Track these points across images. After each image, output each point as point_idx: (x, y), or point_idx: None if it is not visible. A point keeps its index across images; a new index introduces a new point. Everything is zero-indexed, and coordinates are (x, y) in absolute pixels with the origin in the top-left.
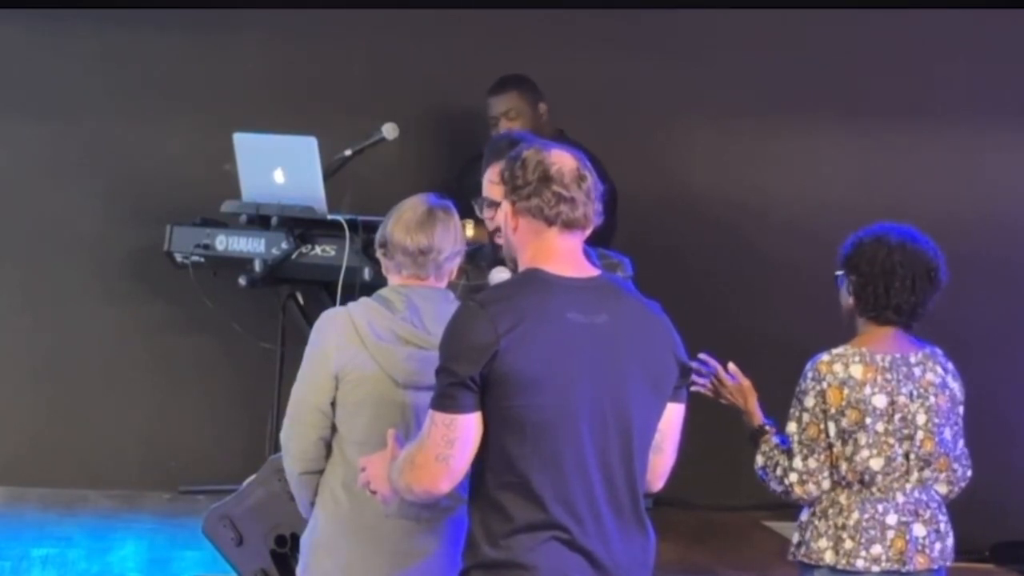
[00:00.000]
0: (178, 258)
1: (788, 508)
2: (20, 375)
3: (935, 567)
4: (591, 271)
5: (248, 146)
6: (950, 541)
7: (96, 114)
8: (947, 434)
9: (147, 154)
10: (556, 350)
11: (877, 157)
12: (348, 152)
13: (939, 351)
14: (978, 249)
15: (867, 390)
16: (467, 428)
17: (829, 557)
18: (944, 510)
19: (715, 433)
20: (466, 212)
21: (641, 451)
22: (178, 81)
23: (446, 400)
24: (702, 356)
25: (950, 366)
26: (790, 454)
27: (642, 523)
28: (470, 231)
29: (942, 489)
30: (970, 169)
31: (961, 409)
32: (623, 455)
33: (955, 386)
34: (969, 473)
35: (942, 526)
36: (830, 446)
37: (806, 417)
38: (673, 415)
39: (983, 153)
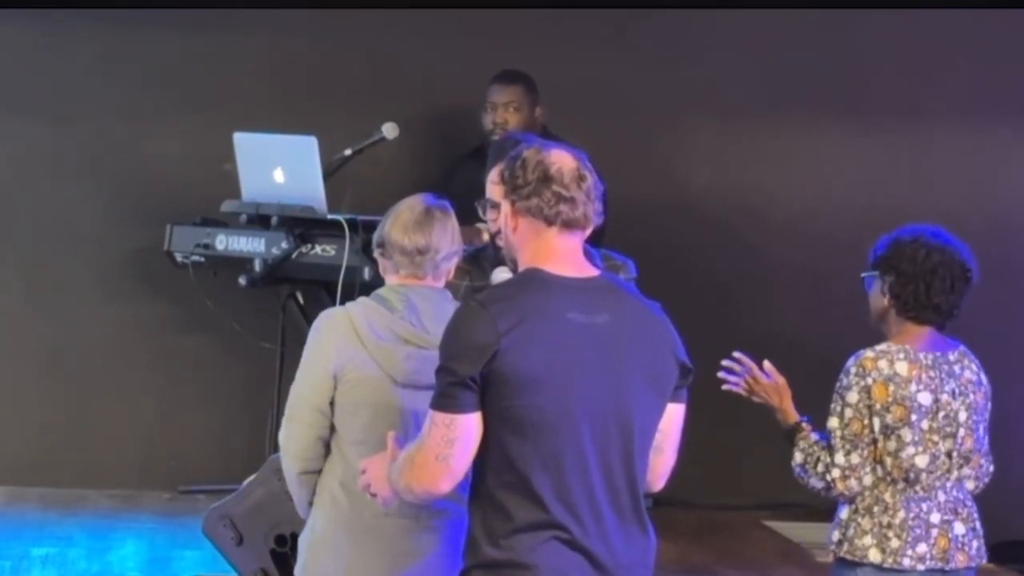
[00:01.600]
0: (178, 258)
1: (789, 508)
2: (20, 375)
3: (973, 565)
4: (591, 271)
5: (248, 146)
6: (982, 539)
7: (96, 114)
8: (981, 431)
9: (147, 154)
10: (557, 350)
11: (878, 157)
12: (348, 152)
13: (967, 349)
14: (978, 249)
15: (912, 387)
16: (467, 428)
17: (874, 555)
18: (976, 507)
19: (716, 433)
20: (458, 214)
21: (642, 451)
22: (178, 81)
23: (446, 400)
24: (736, 355)
25: (978, 363)
26: (832, 450)
27: (643, 523)
28: (487, 236)
29: (969, 485)
30: (970, 169)
31: (990, 405)
32: (624, 455)
33: (986, 382)
34: (992, 468)
35: (977, 524)
36: (874, 442)
37: (849, 412)
38: (674, 415)
39: (983, 153)
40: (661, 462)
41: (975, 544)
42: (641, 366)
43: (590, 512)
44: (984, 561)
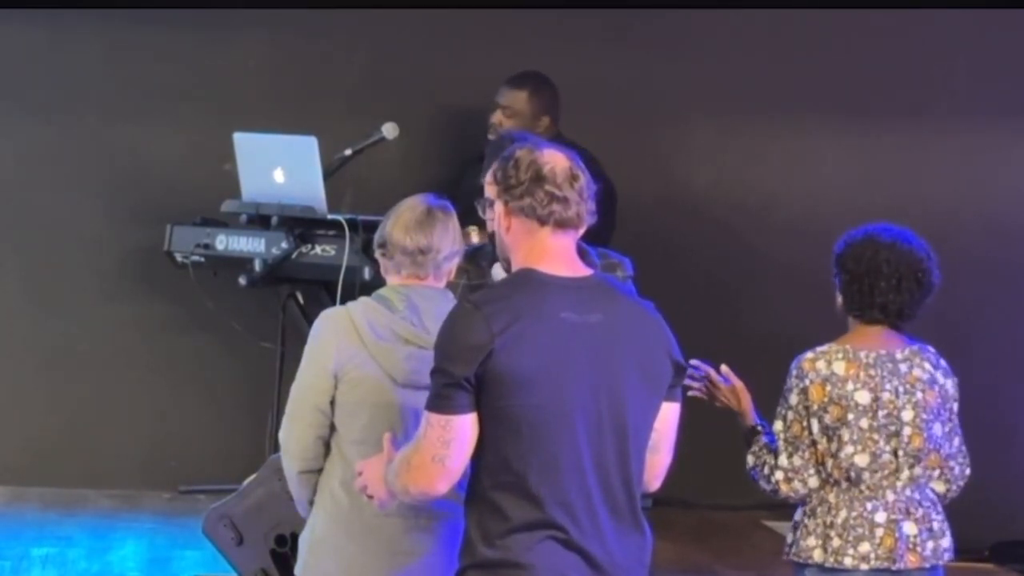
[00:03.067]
0: (178, 258)
1: (788, 508)
2: (20, 375)
3: (927, 566)
4: (584, 270)
5: (248, 146)
6: (945, 540)
7: (97, 114)
8: (937, 430)
9: (147, 154)
10: (551, 349)
11: (877, 157)
12: (348, 152)
13: (930, 348)
14: (978, 249)
15: (849, 386)
16: (463, 429)
17: (818, 555)
18: (939, 509)
19: (715, 433)
20: (464, 215)
21: (637, 450)
22: (178, 81)
23: (442, 401)
24: (694, 361)
25: (942, 363)
26: (776, 452)
27: (638, 522)
28: (475, 237)
29: (939, 488)
30: (970, 169)
31: (955, 406)
32: (619, 454)
33: (946, 383)
34: (968, 471)
35: (935, 525)
36: (814, 443)
37: (790, 415)
38: (669, 415)
39: (983, 153)
40: (657, 461)
41: (930, 544)
42: (635, 365)
43: (586, 511)
44: (943, 562)
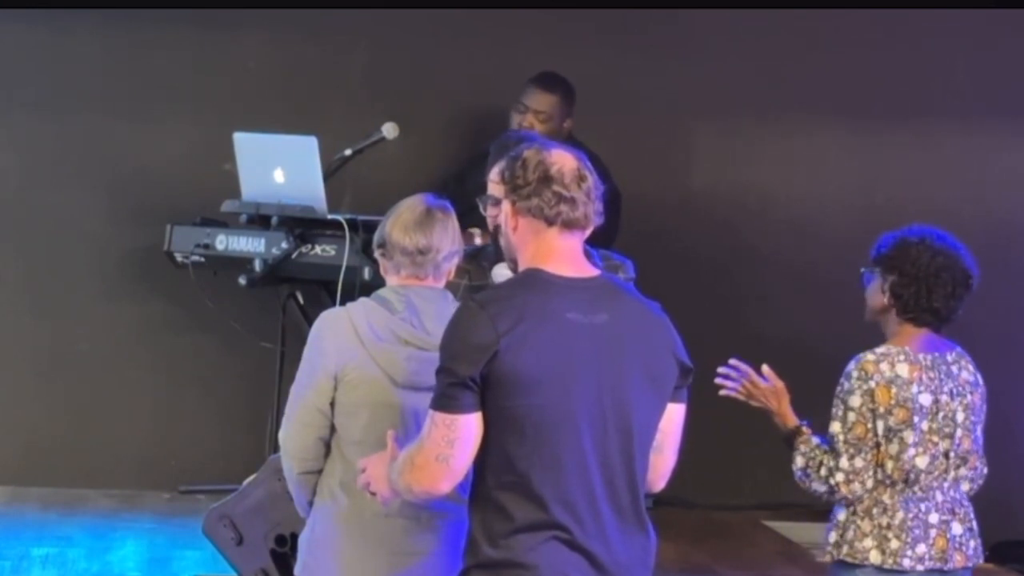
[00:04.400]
0: (178, 258)
1: (788, 508)
2: (20, 375)
3: (970, 564)
4: (591, 271)
5: (248, 146)
6: (979, 539)
7: (97, 114)
8: (978, 431)
9: (147, 154)
10: (556, 350)
11: (878, 156)
12: (348, 152)
13: (963, 350)
14: (978, 249)
15: (914, 389)
16: (467, 428)
17: (875, 556)
18: (972, 508)
19: (716, 433)
20: (465, 214)
21: (642, 451)
22: (178, 81)
23: (446, 400)
24: (732, 361)
25: (975, 364)
26: (835, 453)
27: (642, 522)
28: (478, 240)
29: (965, 486)
30: (971, 169)
31: (986, 407)
32: (623, 454)
33: (982, 383)
34: (985, 470)
35: (974, 524)
36: (877, 445)
37: (852, 416)
38: (674, 415)
39: (983, 153)
40: (662, 462)
41: (972, 544)
42: (641, 366)
43: (589, 512)
44: (981, 561)
